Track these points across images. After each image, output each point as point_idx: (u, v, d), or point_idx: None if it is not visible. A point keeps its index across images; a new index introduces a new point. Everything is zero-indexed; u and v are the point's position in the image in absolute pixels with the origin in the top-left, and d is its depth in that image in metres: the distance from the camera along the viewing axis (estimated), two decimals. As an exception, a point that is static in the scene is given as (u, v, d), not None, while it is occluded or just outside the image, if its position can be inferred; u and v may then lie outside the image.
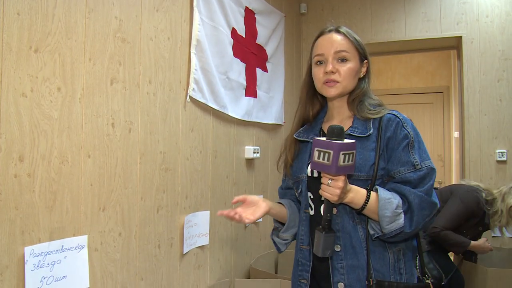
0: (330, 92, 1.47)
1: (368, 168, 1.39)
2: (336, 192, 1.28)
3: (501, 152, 3.57)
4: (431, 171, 1.38)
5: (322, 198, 1.41)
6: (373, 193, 1.36)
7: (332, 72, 1.44)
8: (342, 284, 1.39)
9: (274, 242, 1.60)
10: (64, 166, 1.42)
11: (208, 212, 2.36)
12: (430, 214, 1.37)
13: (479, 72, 3.69)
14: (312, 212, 1.49)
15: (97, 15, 1.57)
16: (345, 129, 1.46)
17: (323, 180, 1.31)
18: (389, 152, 1.40)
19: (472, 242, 2.75)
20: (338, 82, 1.45)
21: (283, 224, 1.58)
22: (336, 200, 1.30)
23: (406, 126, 1.41)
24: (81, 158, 1.49)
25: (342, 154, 1.22)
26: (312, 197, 1.48)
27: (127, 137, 1.72)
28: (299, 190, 1.52)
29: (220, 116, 2.52)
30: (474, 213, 2.72)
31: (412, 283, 1.44)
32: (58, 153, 1.40)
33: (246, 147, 2.91)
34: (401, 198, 1.36)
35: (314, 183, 1.46)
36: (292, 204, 1.59)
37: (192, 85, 2.16)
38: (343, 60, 1.45)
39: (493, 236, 3.55)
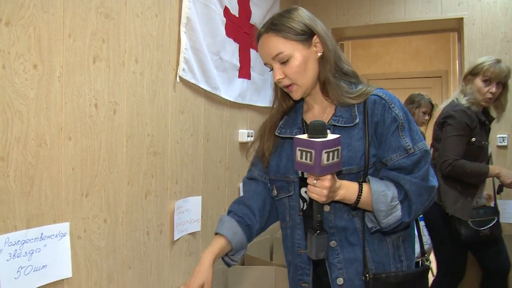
0: (294, 96, 1.37)
1: (358, 159, 1.29)
2: (323, 193, 1.19)
3: (502, 137, 3.49)
4: (425, 153, 1.29)
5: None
6: (365, 186, 1.27)
7: (282, 78, 1.32)
8: (341, 279, 1.31)
9: (224, 261, 1.48)
10: (42, 149, 1.33)
11: (200, 197, 2.27)
12: (428, 198, 1.29)
13: (480, 54, 3.57)
14: (304, 206, 1.39)
15: (77, -12, 1.47)
16: (328, 119, 1.34)
17: (308, 180, 1.21)
18: (378, 138, 1.30)
19: (491, 167, 2.54)
20: (293, 84, 1.33)
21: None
22: (324, 200, 1.20)
23: (393, 107, 1.30)
24: (61, 140, 1.40)
25: (325, 152, 1.12)
26: (307, 198, 1.38)
27: (111, 118, 1.63)
28: (290, 193, 1.39)
29: (212, 98, 2.42)
30: (471, 121, 2.50)
31: (412, 270, 1.37)
32: (35, 135, 1.30)
33: (240, 130, 2.82)
34: (396, 187, 1.27)
35: (305, 182, 1.38)
36: (235, 227, 1.43)
37: (182, 65, 2.06)
38: (285, 61, 1.31)
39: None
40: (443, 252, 2.67)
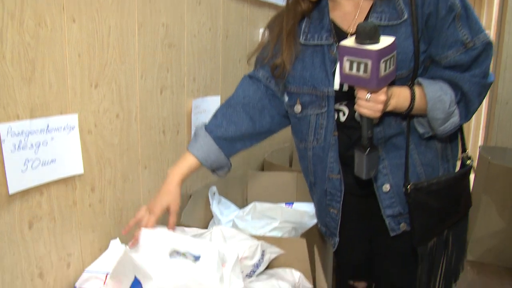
0: None
1: (408, 61, 1.11)
2: (378, 108, 1.03)
3: None
4: (487, 46, 1.08)
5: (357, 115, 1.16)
6: (417, 90, 1.10)
7: None
8: (388, 185, 1.19)
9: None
10: (42, 29, 1.17)
11: (219, 97, 2.13)
12: (486, 95, 1.13)
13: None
14: (343, 119, 1.23)
15: None
16: (363, 17, 1.14)
17: (359, 94, 1.04)
18: (429, 32, 1.09)
19: None
20: None
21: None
22: (378, 116, 1.05)
23: None
24: (63, 21, 1.23)
25: (383, 62, 0.94)
26: (345, 110, 1.22)
27: (120, 1, 1.44)
28: (323, 110, 1.22)
29: (232, -11, 2.19)
30: None
31: (454, 174, 1.25)
32: (32, 13, 1.13)
33: (261, 29, 2.60)
34: (452, 89, 1.09)
35: (344, 96, 1.20)
36: (211, 145, 1.34)
37: None
38: None
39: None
40: None
